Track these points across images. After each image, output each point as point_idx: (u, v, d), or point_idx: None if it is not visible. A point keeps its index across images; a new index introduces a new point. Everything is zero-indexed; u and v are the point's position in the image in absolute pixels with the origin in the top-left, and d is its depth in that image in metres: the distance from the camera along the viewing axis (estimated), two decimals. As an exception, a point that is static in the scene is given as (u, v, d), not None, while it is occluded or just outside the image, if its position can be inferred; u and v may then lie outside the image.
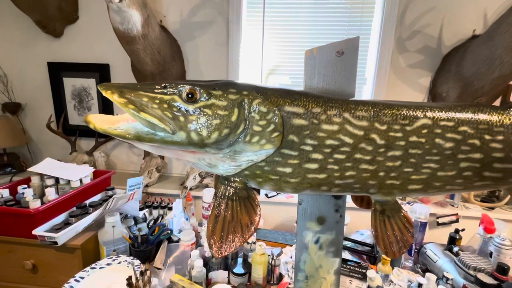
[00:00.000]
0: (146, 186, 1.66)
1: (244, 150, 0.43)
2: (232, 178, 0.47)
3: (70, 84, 1.84)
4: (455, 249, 1.12)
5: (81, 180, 1.30)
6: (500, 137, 0.43)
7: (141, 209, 1.38)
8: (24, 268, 1.11)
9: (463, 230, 1.31)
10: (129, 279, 0.81)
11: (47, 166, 1.33)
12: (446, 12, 1.58)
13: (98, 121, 0.41)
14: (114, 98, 0.38)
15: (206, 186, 1.64)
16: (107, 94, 0.39)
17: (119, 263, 1.01)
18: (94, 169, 1.40)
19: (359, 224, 1.53)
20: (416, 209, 1.32)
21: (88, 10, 1.76)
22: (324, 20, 1.66)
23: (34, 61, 1.84)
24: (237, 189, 0.46)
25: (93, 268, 0.99)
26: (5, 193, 1.18)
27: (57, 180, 1.30)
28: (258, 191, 1.56)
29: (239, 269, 1.10)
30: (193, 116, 0.40)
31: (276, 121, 0.42)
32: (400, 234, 0.50)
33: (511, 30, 1.20)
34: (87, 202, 1.24)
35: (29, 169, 1.30)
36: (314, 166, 0.46)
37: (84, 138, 1.91)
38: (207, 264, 1.12)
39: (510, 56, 1.25)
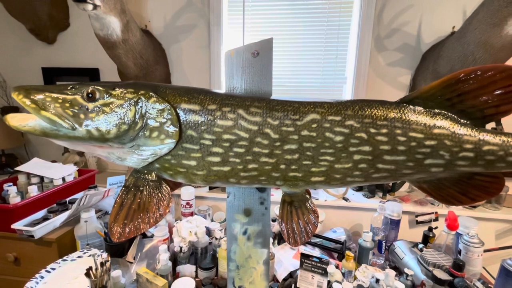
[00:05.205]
0: (132, 184, 1.72)
1: (146, 145, 0.47)
2: (143, 171, 0.51)
3: (63, 88, 1.93)
4: (420, 246, 1.12)
5: (64, 179, 1.38)
6: (384, 130, 0.46)
7: (122, 206, 1.44)
8: (7, 261, 1.18)
9: (436, 228, 1.31)
10: (88, 269, 0.86)
11: (34, 165, 1.42)
12: (424, 10, 1.57)
13: (15, 120, 0.46)
14: (18, 98, 0.43)
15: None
16: (14, 95, 0.44)
17: (89, 256, 1.07)
18: (77, 168, 1.48)
19: (335, 221, 1.54)
20: (388, 207, 1.32)
21: (78, 17, 1.85)
22: (303, 21, 1.68)
23: (29, 67, 1.95)
24: (146, 180, 0.51)
25: (64, 260, 1.05)
26: (-9, 190, 1.27)
27: (42, 178, 1.38)
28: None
29: (205, 263, 1.14)
30: (92, 113, 0.45)
31: (171, 117, 0.46)
32: (305, 224, 0.53)
33: (481, 27, 1.19)
34: (68, 199, 1.31)
35: (17, 168, 1.39)
36: (216, 159, 0.49)
37: (77, 139, 2.00)
38: (176, 258, 1.16)
39: (482, 53, 1.24)
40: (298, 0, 1.65)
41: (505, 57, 1.22)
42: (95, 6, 1.20)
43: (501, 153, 0.43)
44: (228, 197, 0.64)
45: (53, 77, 1.93)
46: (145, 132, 0.46)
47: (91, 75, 1.89)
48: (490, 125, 1.52)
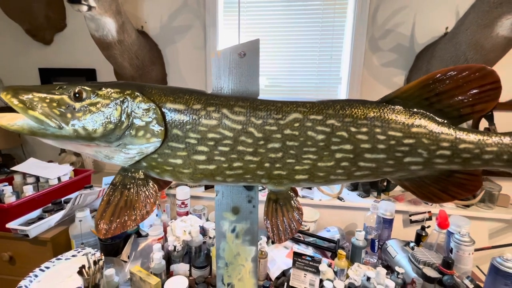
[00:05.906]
0: (128, 184, 1.73)
1: (133, 143, 0.48)
2: (130, 169, 0.52)
3: (60, 88, 1.94)
4: (412, 244, 1.13)
5: (59, 179, 1.38)
6: (364, 129, 0.47)
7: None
8: (2, 260, 1.19)
9: (428, 227, 1.32)
10: (81, 267, 0.87)
11: (30, 165, 1.43)
12: (418, 11, 1.59)
13: (4, 119, 0.47)
14: (7, 98, 0.44)
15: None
16: (2, 95, 0.45)
17: (83, 254, 1.08)
18: (73, 168, 1.49)
19: (330, 220, 1.55)
20: (381, 206, 1.33)
21: (75, 18, 1.85)
22: (298, 22, 1.70)
23: (26, 68, 1.96)
24: (134, 179, 0.52)
25: (58, 259, 1.06)
26: (-13, 190, 1.28)
27: (37, 178, 1.39)
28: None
29: (199, 262, 1.15)
30: (79, 113, 0.46)
31: (156, 116, 0.47)
32: (289, 221, 0.54)
33: (472, 28, 1.21)
34: (63, 199, 1.32)
35: (12, 168, 1.39)
36: (202, 157, 0.50)
37: (74, 140, 2.01)
38: (170, 257, 1.17)
39: (473, 53, 1.25)
40: (293, 1, 1.66)
41: (496, 58, 1.23)
42: (90, 7, 1.21)
43: (476, 151, 0.44)
44: (216, 195, 0.65)
45: (50, 77, 1.94)
46: (131, 131, 0.48)
47: (87, 75, 1.90)
48: (483, 125, 1.53)
